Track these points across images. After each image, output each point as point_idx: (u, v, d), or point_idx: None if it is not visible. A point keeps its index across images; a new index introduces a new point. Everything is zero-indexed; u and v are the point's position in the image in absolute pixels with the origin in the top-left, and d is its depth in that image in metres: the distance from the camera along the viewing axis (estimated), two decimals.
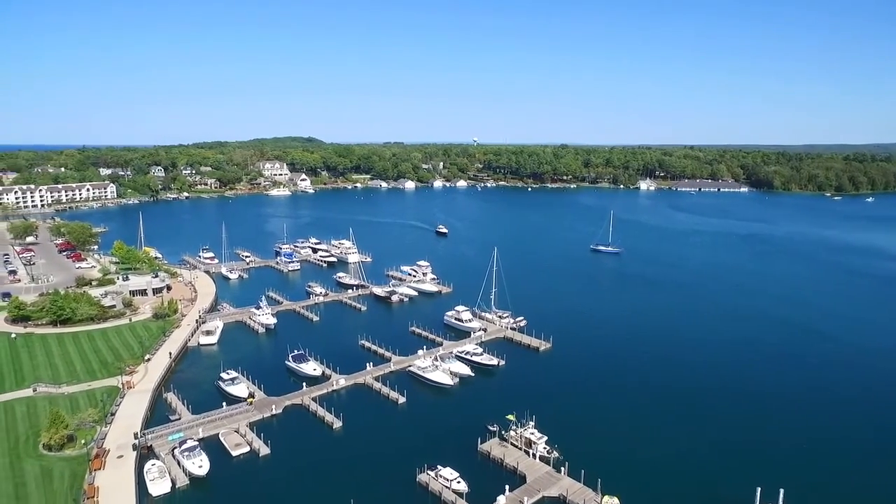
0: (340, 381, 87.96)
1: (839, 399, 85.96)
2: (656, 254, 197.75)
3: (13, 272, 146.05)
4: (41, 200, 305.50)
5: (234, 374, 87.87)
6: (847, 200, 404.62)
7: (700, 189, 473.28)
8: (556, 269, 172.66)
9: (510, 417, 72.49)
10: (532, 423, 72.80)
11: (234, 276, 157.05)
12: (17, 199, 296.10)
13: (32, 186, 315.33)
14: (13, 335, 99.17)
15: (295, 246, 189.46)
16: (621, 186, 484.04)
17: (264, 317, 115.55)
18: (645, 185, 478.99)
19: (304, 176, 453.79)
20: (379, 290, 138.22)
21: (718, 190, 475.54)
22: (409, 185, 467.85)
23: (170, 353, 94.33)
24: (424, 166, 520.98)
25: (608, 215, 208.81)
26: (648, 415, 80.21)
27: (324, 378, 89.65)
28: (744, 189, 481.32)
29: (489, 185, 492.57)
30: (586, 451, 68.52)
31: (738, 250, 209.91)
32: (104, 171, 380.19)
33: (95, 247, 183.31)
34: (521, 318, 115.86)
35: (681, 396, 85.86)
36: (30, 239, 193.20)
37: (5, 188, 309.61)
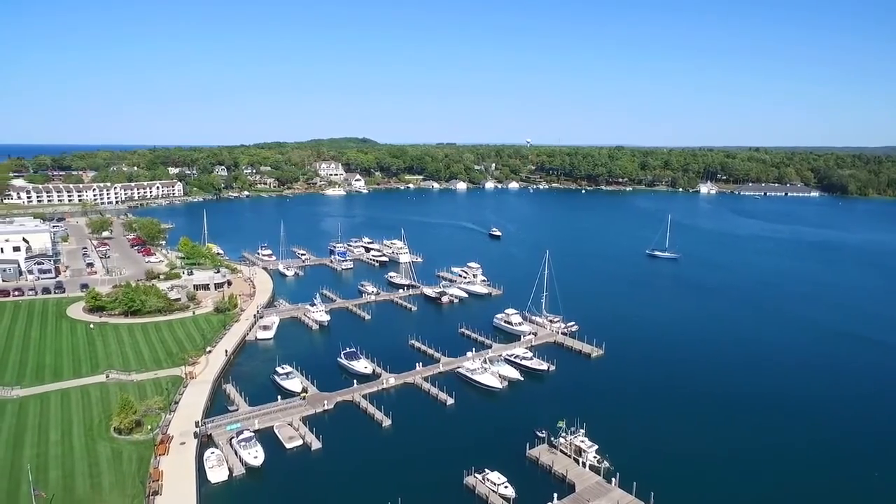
0: (390, 380, 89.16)
1: None
2: (716, 260, 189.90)
3: (90, 265, 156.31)
4: (116, 197, 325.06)
5: (288, 368, 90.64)
6: None
7: (766, 193, 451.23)
8: (609, 273, 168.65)
9: (560, 424, 71.35)
10: (582, 431, 71.40)
11: (290, 273, 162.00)
12: (95, 196, 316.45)
13: (108, 184, 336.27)
14: (91, 325, 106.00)
15: (348, 245, 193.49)
16: (680, 190, 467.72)
17: (318, 314, 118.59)
18: (705, 188, 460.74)
19: (358, 176, 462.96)
20: (429, 291, 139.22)
21: (786, 194, 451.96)
22: (461, 186, 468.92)
23: (228, 347, 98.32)
24: (476, 167, 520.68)
25: (666, 219, 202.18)
26: (705, 427, 77.06)
27: (374, 376, 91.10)
28: (814, 194, 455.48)
29: (542, 186, 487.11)
30: (639, 463, 66.57)
31: (806, 258, 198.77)
32: (172, 170, 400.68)
33: (163, 242, 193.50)
34: (573, 323, 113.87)
35: (739, 409, 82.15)
36: (105, 234, 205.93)
37: (85, 186, 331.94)
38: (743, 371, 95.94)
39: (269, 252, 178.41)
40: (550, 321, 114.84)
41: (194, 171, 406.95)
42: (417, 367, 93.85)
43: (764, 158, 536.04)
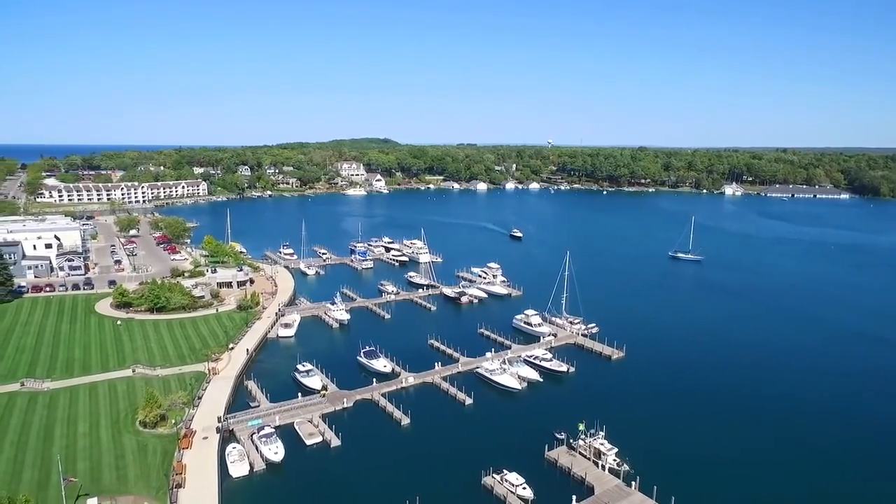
0: (409, 379, 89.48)
1: None
2: (741, 263, 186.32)
3: (118, 262, 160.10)
4: (143, 196, 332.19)
5: (309, 366, 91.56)
6: None
7: (793, 195, 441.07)
8: (631, 275, 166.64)
9: (580, 427, 70.82)
10: (602, 434, 70.78)
11: (311, 272, 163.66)
12: (122, 195, 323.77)
13: (136, 184, 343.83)
14: (118, 321, 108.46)
15: (369, 244, 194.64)
16: (704, 191, 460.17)
17: (339, 312, 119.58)
18: (730, 189, 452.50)
19: (379, 176, 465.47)
20: (449, 291, 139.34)
21: (814, 196, 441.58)
22: (481, 186, 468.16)
23: (250, 344, 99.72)
24: (497, 168, 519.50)
25: (689, 221, 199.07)
26: (727, 432, 75.73)
27: (393, 375, 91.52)
28: (844, 196, 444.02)
29: (562, 187, 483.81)
30: (659, 467, 65.70)
31: (835, 261, 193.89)
32: (197, 170, 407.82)
33: (188, 240, 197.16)
34: (594, 324, 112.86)
35: (762, 413, 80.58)
36: (133, 232, 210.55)
37: (114, 185, 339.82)
38: (766, 375, 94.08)
39: (290, 251, 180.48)
40: (571, 322, 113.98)
41: (218, 171, 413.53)
42: (436, 367, 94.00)
43: (792, 159, 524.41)
